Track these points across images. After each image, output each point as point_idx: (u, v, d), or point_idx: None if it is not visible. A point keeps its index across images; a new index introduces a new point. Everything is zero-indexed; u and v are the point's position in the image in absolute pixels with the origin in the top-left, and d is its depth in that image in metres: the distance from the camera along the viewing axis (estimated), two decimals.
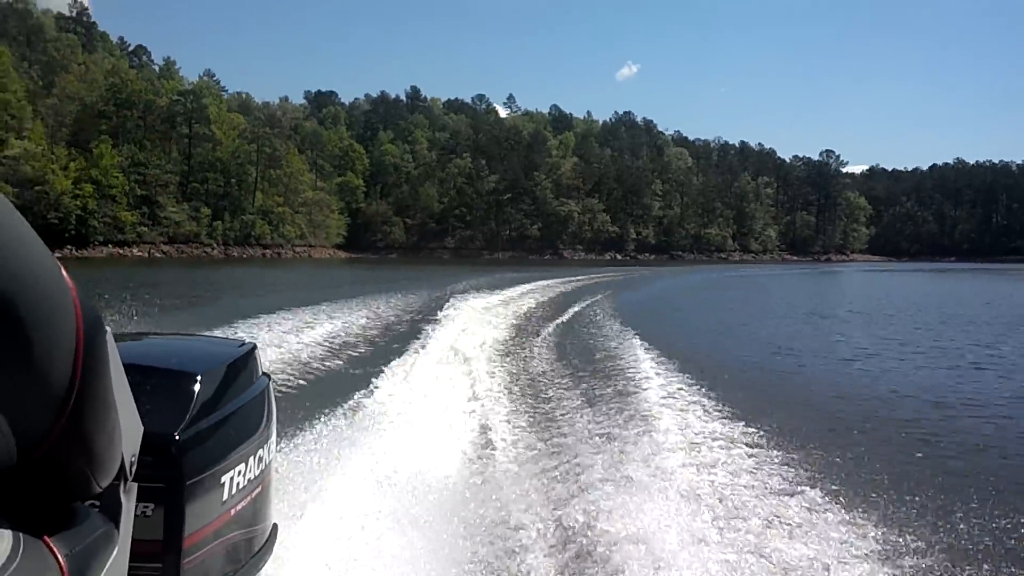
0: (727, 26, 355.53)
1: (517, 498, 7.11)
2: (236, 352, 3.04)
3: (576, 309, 29.49)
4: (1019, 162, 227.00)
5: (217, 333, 16.81)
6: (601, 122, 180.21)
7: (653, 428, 9.54)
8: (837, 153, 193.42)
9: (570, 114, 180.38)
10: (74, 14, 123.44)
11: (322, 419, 8.85)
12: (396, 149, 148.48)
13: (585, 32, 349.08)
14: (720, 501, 6.87)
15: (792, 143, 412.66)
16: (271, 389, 3.13)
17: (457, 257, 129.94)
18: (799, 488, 7.33)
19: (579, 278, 53.99)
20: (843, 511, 6.74)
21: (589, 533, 6.22)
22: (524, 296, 35.50)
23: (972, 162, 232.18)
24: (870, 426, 11.22)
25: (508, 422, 10.35)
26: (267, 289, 44.02)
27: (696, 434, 9.32)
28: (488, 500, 7.01)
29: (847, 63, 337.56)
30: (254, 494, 2.79)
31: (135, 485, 1.50)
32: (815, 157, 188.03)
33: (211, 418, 2.61)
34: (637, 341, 18.36)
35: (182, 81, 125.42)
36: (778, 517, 6.54)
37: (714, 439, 9.10)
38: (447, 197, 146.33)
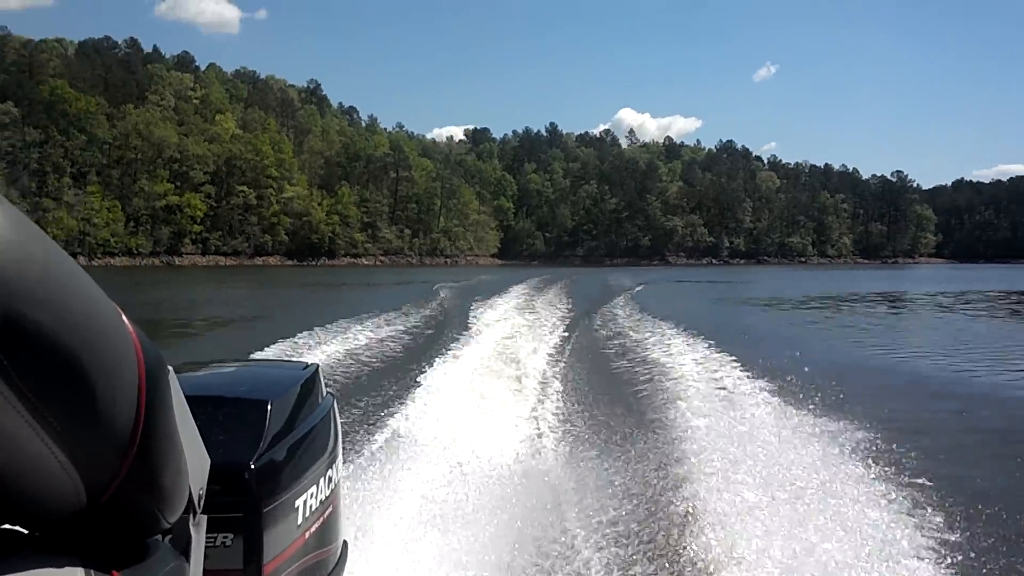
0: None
1: (578, 509, 6.95)
2: (301, 375, 3.13)
3: (653, 307, 30.54)
4: None
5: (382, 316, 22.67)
6: (706, 149, 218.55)
7: (703, 426, 9.31)
8: (906, 173, 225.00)
9: (681, 143, 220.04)
10: (311, 88, 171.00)
11: (384, 430, 9.35)
12: (538, 178, 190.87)
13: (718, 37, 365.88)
14: (788, 504, 6.50)
15: (882, 161, 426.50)
16: (336, 408, 3.24)
17: (585, 263, 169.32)
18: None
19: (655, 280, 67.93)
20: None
21: (643, 536, 6.26)
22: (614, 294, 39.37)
23: None
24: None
25: (573, 433, 10.05)
26: (444, 277, 60.70)
27: (765, 435, 8.86)
28: (546, 503, 7.01)
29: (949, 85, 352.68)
30: (326, 514, 2.85)
31: (204, 517, 1.48)
32: (890, 175, 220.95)
33: (283, 444, 2.66)
34: (697, 341, 18.03)
35: (383, 133, 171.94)
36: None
37: (785, 440, 8.64)
38: (578, 216, 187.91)
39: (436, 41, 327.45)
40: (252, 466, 2.47)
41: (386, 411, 10.56)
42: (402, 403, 10.82)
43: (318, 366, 3.33)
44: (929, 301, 46.47)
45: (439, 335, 20.37)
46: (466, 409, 10.56)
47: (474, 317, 23.92)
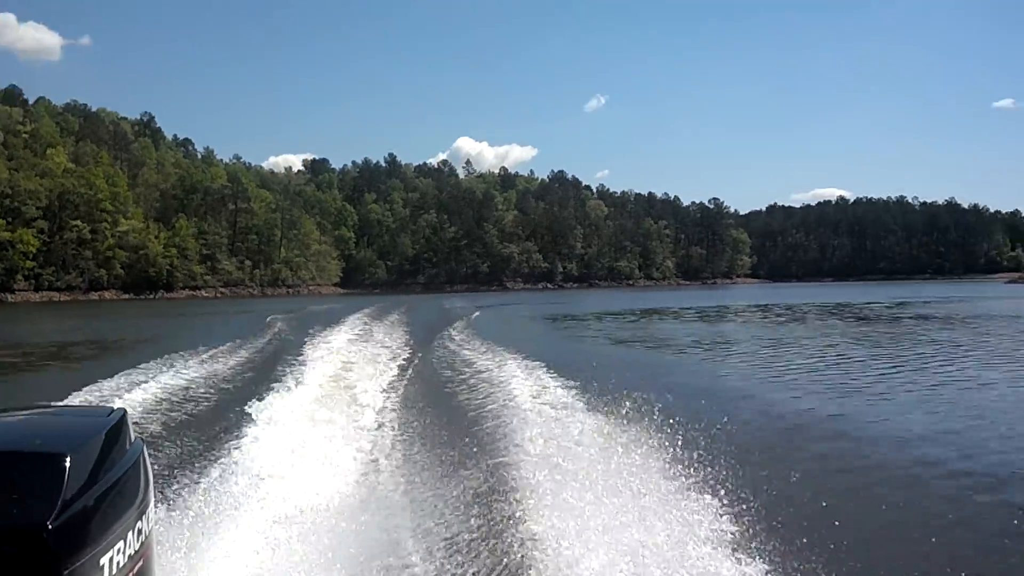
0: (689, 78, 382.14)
1: (417, 537, 7.08)
2: (105, 422, 2.89)
3: (470, 328, 33.06)
4: (884, 198, 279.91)
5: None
6: (539, 179, 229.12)
7: (533, 438, 9.83)
8: (722, 200, 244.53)
9: (515, 173, 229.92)
10: (144, 120, 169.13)
11: (209, 472, 8.82)
12: (378, 208, 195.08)
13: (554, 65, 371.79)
14: (596, 505, 6.94)
15: (700, 190, 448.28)
16: (145, 454, 3.03)
17: (427, 290, 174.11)
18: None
19: (490, 303, 72.82)
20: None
21: (476, 545, 6.59)
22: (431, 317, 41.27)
23: (850, 199, 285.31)
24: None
25: (400, 453, 10.41)
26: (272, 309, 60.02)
27: (576, 444, 9.40)
28: (384, 534, 7.07)
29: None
30: (136, 569, 2.66)
31: None
32: (708, 202, 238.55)
33: (85, 498, 2.43)
34: (518, 357, 19.83)
35: (220, 164, 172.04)
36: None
37: (593, 447, 9.16)
38: (418, 244, 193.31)
39: (271, 70, 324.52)
40: (50, 526, 2.28)
41: (212, 452, 10.20)
42: (230, 442, 10.40)
43: (125, 411, 3.23)
44: (725, 312, 54.34)
45: (271, 368, 19.79)
46: (299, 444, 10.26)
47: (309, 348, 23.54)
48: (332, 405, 13.75)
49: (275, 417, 12.03)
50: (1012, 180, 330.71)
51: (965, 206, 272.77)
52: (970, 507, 9.24)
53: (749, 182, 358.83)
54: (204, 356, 22.12)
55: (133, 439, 3.10)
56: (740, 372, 22.22)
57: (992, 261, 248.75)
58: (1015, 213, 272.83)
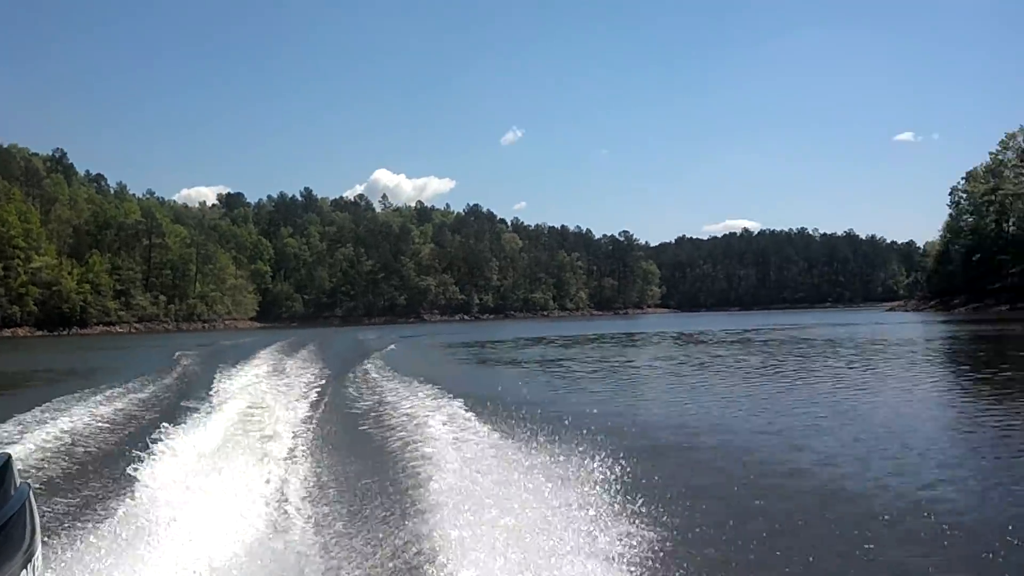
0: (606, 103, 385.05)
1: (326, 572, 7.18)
2: None
3: (378, 361, 33.34)
4: (786, 230, 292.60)
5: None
6: (455, 212, 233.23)
7: (438, 467, 10.30)
8: (632, 232, 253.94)
9: (431, 206, 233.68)
10: (56, 156, 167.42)
11: (107, 516, 8.54)
12: (295, 241, 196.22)
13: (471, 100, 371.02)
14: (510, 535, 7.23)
15: (613, 222, 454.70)
16: (32, 499, 2.90)
17: (344, 323, 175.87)
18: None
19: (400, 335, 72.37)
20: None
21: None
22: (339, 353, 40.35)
23: (754, 231, 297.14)
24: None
25: (310, 492, 10.25)
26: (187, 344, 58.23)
27: (485, 476, 9.63)
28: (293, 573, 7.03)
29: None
30: None
31: None
32: (619, 235, 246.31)
33: None
34: (430, 389, 20.13)
35: (133, 199, 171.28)
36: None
37: (500, 475, 9.58)
38: (336, 277, 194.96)
39: (183, 102, 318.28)
40: None
41: (108, 496, 9.88)
42: (128, 485, 9.95)
43: (9, 456, 3.15)
44: (623, 339, 57.81)
45: (175, 407, 19.30)
46: (203, 485, 9.88)
47: (217, 384, 23.04)
48: (240, 443, 13.40)
49: (179, 457, 11.59)
50: (908, 211, 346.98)
51: (863, 237, 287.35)
52: (803, 502, 9.95)
53: (661, 214, 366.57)
54: (105, 394, 21.52)
55: (18, 484, 3.00)
56: (627, 394, 23.60)
57: (889, 289, 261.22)
58: (910, 243, 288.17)
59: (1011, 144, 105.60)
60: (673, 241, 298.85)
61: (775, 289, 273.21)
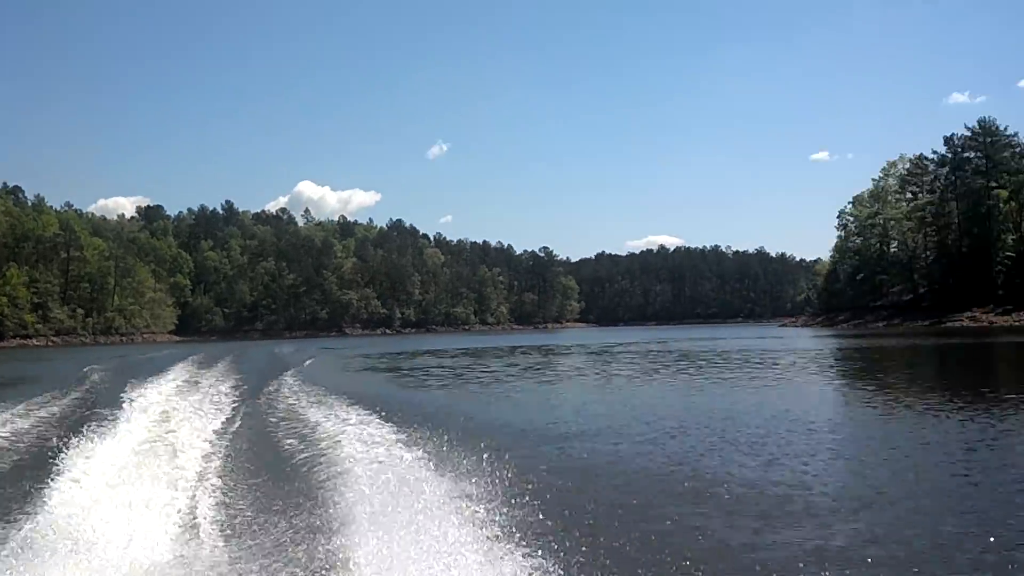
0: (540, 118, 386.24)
1: None
2: None
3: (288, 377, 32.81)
4: (700, 247, 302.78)
5: None
6: (378, 227, 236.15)
7: (348, 484, 10.47)
8: (551, 248, 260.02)
9: (354, 221, 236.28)
10: None
11: (6, 541, 8.28)
12: (215, 255, 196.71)
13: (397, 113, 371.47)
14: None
15: (536, 237, 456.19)
16: None
17: (265, 336, 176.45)
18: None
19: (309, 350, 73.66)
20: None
21: None
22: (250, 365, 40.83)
23: (671, 248, 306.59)
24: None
25: (221, 510, 10.10)
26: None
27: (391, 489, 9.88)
28: None
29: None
30: None
31: None
32: (539, 251, 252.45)
33: None
34: (345, 403, 20.82)
35: (51, 212, 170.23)
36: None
37: (407, 487, 9.90)
38: (257, 291, 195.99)
39: (99, 110, 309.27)
40: None
41: (7, 519, 9.52)
42: (29, 507, 9.69)
43: None
44: (531, 352, 61.29)
45: (81, 424, 18.16)
46: (106, 507, 9.55)
47: (127, 400, 22.64)
48: (147, 463, 12.94)
49: (81, 478, 11.11)
50: (821, 230, 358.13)
51: (773, 255, 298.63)
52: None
53: (585, 229, 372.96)
54: (8, 412, 20.70)
55: None
56: (534, 404, 24.80)
57: (797, 305, 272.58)
58: (817, 260, 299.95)
59: (891, 172, 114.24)
60: (593, 257, 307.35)
61: (690, 304, 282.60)
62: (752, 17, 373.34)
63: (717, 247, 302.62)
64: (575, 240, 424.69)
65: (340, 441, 14.64)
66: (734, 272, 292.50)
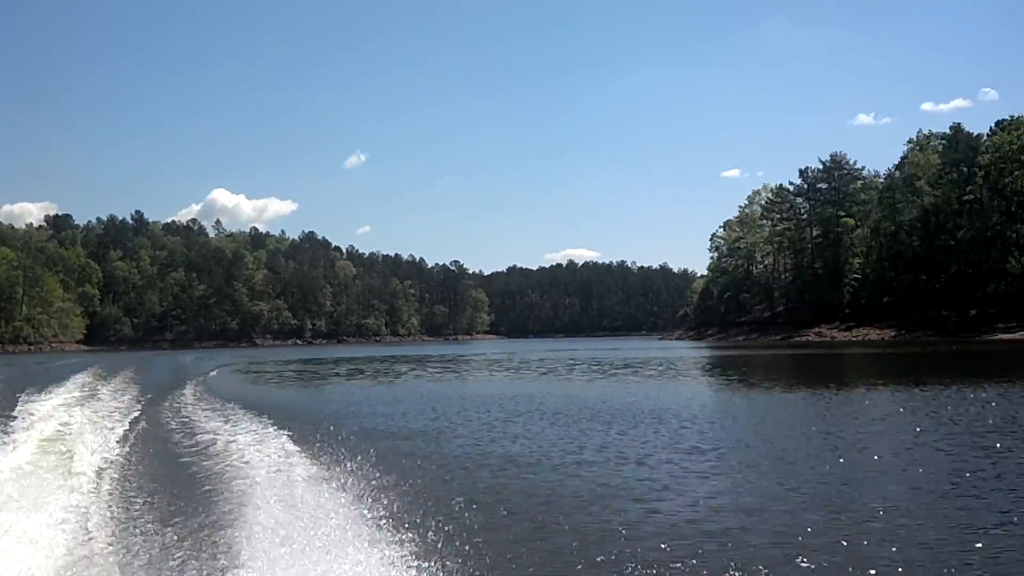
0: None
1: None
2: None
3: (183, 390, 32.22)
4: (606, 263, 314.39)
5: None
6: (290, 239, 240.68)
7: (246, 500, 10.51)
8: (462, 262, 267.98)
9: (266, 232, 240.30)
10: None
11: None
12: (125, 265, 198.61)
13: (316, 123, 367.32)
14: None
15: (453, 249, 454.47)
16: None
17: (174, 347, 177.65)
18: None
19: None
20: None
21: None
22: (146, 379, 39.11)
23: (579, 263, 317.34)
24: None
25: (117, 526, 9.88)
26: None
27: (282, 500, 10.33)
28: None
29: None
30: None
31: None
32: (450, 264, 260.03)
33: None
34: (248, 415, 20.71)
35: None
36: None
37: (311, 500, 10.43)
38: (166, 301, 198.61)
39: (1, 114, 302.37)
40: None
41: None
42: None
43: None
44: (431, 360, 65.30)
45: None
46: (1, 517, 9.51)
47: (20, 412, 22.50)
48: (40, 476, 12.78)
49: None
50: None
51: (676, 270, 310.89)
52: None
53: (504, 242, 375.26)
54: None
55: None
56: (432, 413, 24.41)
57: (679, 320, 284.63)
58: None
59: (755, 199, 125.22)
60: (505, 271, 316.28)
61: (597, 317, 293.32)
62: (666, 35, 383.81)
63: (623, 262, 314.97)
64: (490, 253, 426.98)
65: (239, 453, 14.87)
66: (638, 287, 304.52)
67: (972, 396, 23.99)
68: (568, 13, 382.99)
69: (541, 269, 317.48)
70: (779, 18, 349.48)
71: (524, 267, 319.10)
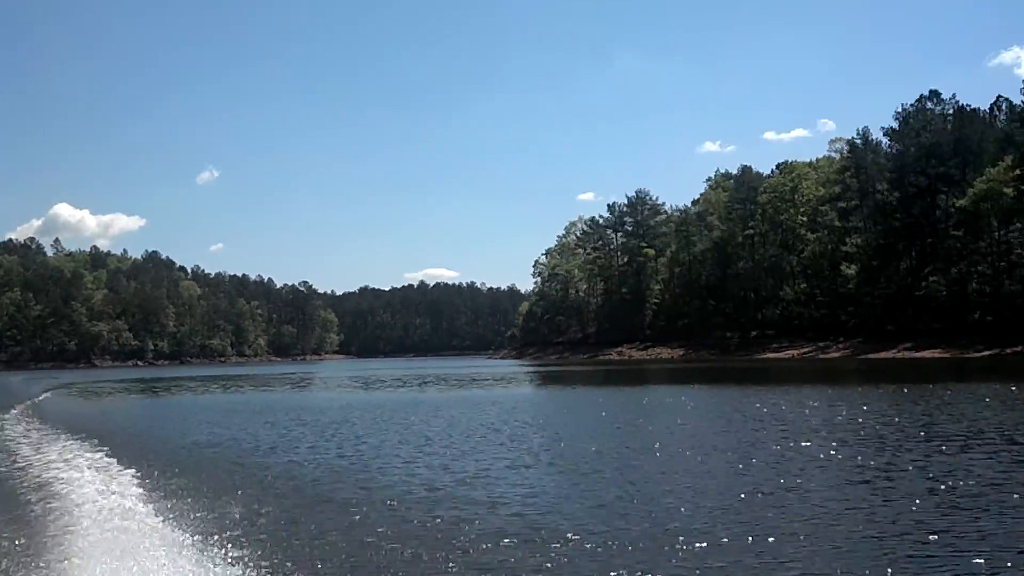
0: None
1: None
2: None
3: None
4: (456, 283, 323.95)
5: None
6: (132, 259, 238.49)
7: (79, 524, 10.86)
8: (311, 282, 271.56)
9: (107, 252, 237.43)
10: None
11: None
12: None
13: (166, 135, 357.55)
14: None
15: (305, 268, 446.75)
16: None
17: (9, 368, 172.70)
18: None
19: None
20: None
21: None
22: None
23: (430, 284, 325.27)
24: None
25: None
26: None
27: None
28: None
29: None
30: None
31: None
32: (299, 285, 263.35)
33: None
34: (77, 440, 20.70)
35: None
36: None
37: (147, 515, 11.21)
38: (1, 322, 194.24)
39: None
40: None
41: None
42: None
43: None
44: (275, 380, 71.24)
45: None
46: None
47: None
48: None
49: None
50: None
51: (523, 291, 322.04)
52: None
53: (351, 263, 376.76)
54: None
55: None
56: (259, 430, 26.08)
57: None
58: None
59: (572, 229, 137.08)
60: (356, 291, 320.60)
61: (447, 337, 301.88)
62: (521, 63, 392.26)
63: (473, 283, 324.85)
64: (345, 272, 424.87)
65: (67, 480, 14.94)
66: (487, 307, 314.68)
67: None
68: (429, 40, 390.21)
69: (393, 289, 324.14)
70: (630, 50, 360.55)
71: (376, 287, 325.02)
